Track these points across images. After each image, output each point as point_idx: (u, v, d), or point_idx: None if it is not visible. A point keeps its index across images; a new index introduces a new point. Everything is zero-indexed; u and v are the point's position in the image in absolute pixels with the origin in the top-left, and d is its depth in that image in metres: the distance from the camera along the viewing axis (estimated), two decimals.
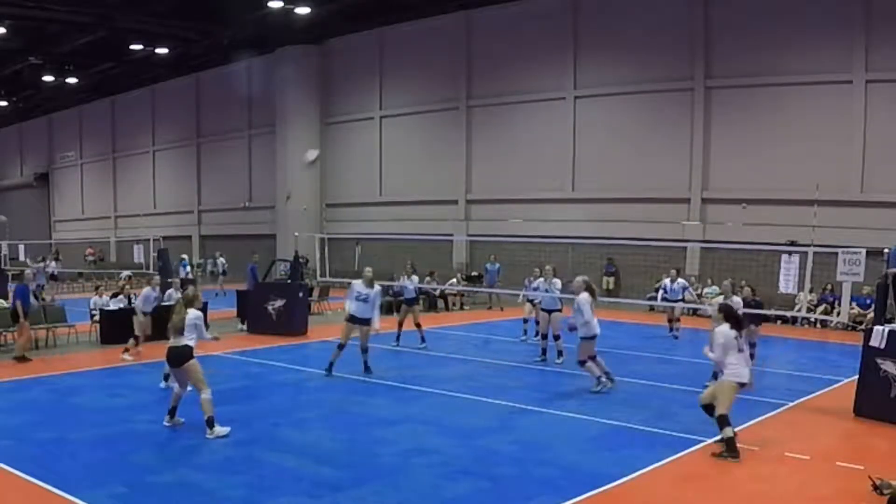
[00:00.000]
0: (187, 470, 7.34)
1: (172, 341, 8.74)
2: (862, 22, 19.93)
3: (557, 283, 13.76)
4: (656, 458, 7.81)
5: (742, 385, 8.07)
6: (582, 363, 11.03)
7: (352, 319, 12.16)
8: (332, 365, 12.12)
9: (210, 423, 8.45)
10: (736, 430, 8.88)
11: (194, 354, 8.70)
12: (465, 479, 7.19)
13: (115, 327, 15.24)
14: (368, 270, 12.49)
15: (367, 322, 12.15)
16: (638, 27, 23.72)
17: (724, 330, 8.05)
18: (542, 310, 13.78)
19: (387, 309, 20.93)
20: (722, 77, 22.43)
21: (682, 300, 16.95)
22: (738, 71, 21.98)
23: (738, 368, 7.99)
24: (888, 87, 19.72)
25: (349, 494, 6.73)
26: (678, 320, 16.92)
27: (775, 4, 21.30)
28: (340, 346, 12.13)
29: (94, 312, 15.97)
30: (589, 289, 11.16)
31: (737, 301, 11.43)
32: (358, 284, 12.34)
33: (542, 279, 14.07)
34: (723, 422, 7.89)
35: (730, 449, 7.84)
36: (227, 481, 7.03)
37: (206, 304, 15.35)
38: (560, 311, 13.52)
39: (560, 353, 13.34)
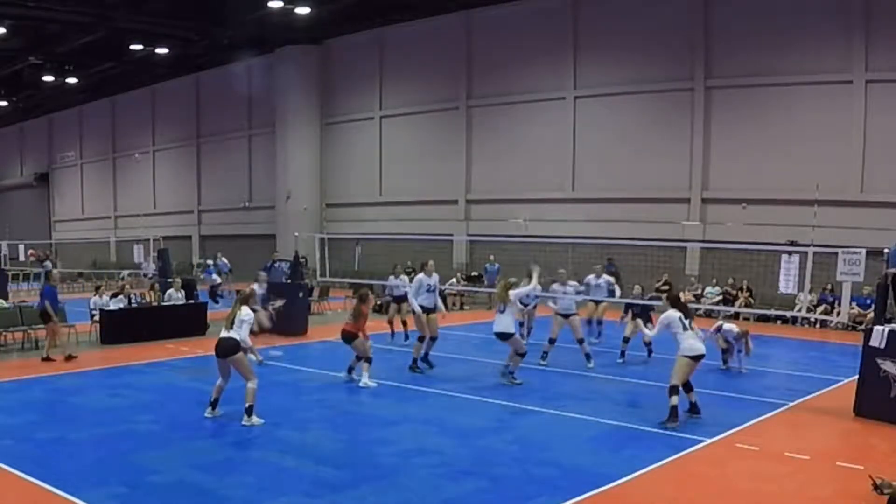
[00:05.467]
0: (187, 470, 7.34)
1: (223, 333, 9.05)
2: (862, 22, 19.93)
3: (576, 285, 13.62)
4: (656, 458, 7.81)
5: (694, 358, 9.13)
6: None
7: (425, 311, 12.67)
8: (416, 361, 12.63)
9: (249, 412, 8.92)
10: (735, 430, 8.95)
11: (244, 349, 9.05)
12: (465, 479, 7.19)
13: (115, 327, 15.24)
14: (431, 262, 13.17)
15: (434, 310, 12.85)
16: (638, 27, 23.72)
17: (669, 313, 9.32)
18: (558, 314, 13.35)
19: (387, 308, 20.97)
20: (722, 77, 22.43)
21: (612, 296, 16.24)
22: (738, 71, 21.98)
23: (688, 342, 9.14)
24: (888, 87, 19.72)
25: (349, 494, 6.73)
26: (599, 321, 16.33)
27: (775, 4, 21.30)
28: (422, 339, 12.69)
29: (94, 312, 15.96)
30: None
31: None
32: (423, 276, 12.86)
33: (557, 283, 13.57)
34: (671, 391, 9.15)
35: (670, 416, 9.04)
36: (227, 481, 7.03)
37: (205, 304, 15.58)
38: (577, 314, 13.43)
39: (588, 357, 13.14)
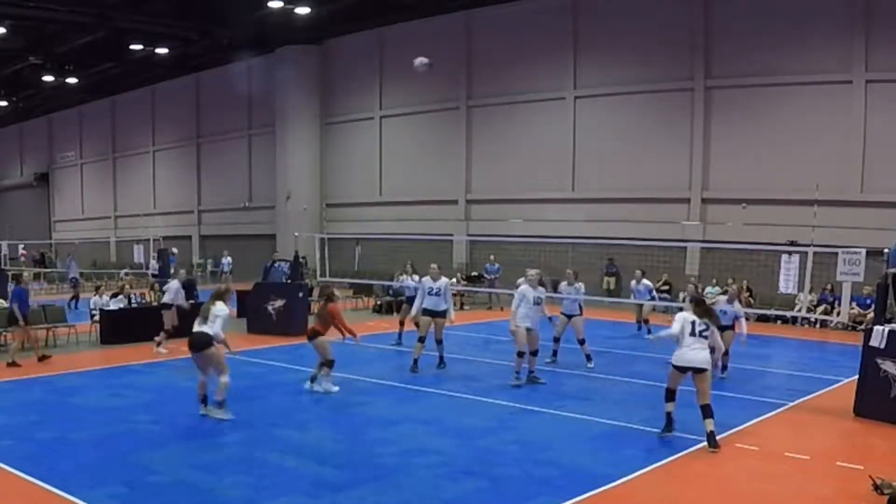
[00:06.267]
0: (187, 470, 7.34)
1: (196, 328, 9.23)
2: (862, 22, 19.94)
3: (581, 286, 13.48)
4: (656, 458, 7.81)
5: (678, 368, 8.36)
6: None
7: (427, 313, 12.65)
8: (416, 361, 12.52)
9: (220, 405, 9.12)
10: (735, 430, 8.95)
11: (215, 344, 9.14)
12: (465, 479, 7.19)
13: (115, 327, 15.25)
14: (434, 266, 12.99)
15: (442, 314, 12.66)
16: (638, 27, 23.72)
17: (684, 313, 8.56)
18: (563, 314, 13.44)
19: (387, 309, 21.01)
20: (722, 77, 22.43)
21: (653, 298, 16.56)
22: (738, 71, 21.98)
23: (679, 350, 8.38)
24: (888, 87, 19.73)
25: (349, 494, 6.73)
26: (647, 320, 16.88)
27: (775, 5, 21.31)
28: (421, 340, 12.60)
29: (94, 312, 15.97)
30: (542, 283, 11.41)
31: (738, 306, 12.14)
32: (427, 280, 12.86)
33: (565, 282, 13.55)
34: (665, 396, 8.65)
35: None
36: (227, 481, 7.03)
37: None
38: (581, 315, 13.36)
39: (589, 358, 13.13)
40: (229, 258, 29.61)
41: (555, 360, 13.34)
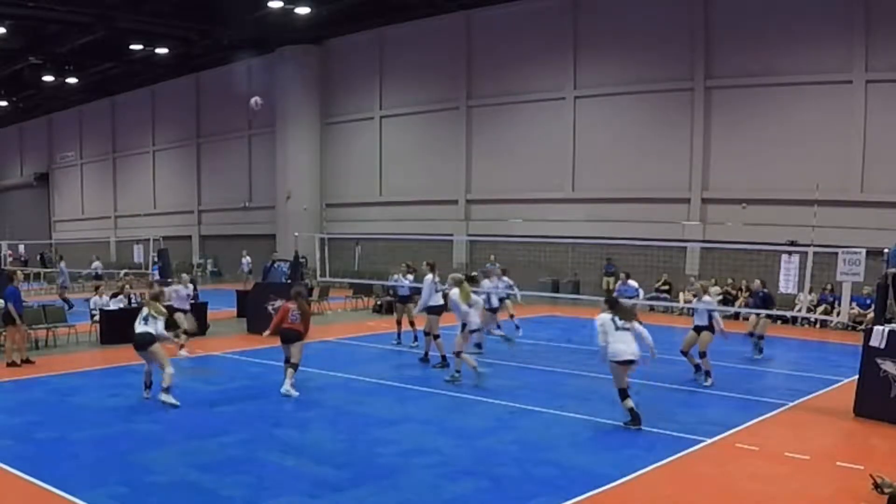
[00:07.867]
0: (187, 470, 7.34)
1: (138, 329, 10.00)
2: (862, 22, 19.94)
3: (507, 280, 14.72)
4: (656, 458, 7.80)
5: (618, 363, 8.68)
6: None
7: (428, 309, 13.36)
8: (426, 354, 13.36)
9: (166, 391, 9.88)
10: (735, 430, 8.94)
11: (156, 340, 9.95)
12: (465, 479, 7.18)
13: (115, 327, 15.22)
14: (425, 264, 13.94)
15: (427, 310, 13.32)
16: (638, 27, 23.73)
17: (602, 316, 8.89)
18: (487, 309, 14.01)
19: (387, 308, 20.99)
20: (722, 77, 22.44)
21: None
22: (738, 71, 21.99)
23: (614, 346, 8.72)
24: (888, 87, 19.73)
25: (349, 494, 6.73)
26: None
27: (775, 4, 21.32)
28: (436, 337, 13.20)
29: (94, 312, 15.96)
30: (459, 284, 11.77)
31: (707, 300, 11.96)
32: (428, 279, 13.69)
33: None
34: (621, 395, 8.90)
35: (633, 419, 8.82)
36: (227, 481, 7.03)
37: (205, 303, 15.56)
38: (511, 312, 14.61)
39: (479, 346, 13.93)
40: (248, 258, 29.57)
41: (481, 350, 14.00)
